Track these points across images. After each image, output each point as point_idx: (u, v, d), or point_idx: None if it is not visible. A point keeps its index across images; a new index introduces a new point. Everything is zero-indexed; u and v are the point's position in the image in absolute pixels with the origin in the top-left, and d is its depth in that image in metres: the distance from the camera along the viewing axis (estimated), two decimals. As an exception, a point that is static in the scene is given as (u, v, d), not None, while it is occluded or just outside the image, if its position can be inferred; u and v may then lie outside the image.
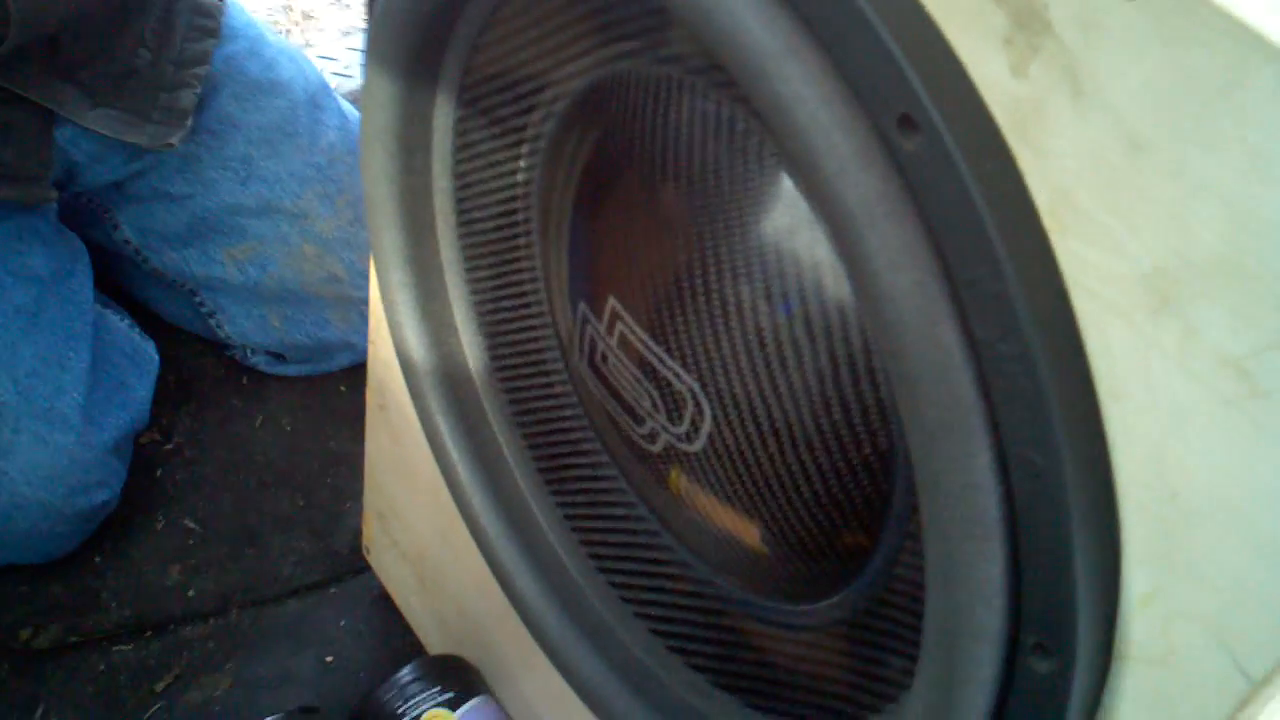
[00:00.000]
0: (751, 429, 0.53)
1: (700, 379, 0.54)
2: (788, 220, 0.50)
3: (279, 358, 1.19)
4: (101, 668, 0.96)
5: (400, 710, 0.80)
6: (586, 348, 0.62)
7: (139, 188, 1.07)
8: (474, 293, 0.71)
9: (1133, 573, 0.38)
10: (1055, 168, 0.36)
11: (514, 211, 0.66)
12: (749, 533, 0.59)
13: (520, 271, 0.68)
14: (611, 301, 0.59)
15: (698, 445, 0.56)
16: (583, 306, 0.61)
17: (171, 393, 1.16)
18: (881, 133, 0.38)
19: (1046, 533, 0.38)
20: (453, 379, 0.72)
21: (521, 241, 0.67)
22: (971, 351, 0.38)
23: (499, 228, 0.67)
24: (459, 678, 0.83)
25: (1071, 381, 0.37)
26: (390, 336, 0.74)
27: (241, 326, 1.16)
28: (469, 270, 0.71)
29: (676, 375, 0.55)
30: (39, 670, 0.96)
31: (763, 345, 0.52)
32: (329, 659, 0.95)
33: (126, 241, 1.10)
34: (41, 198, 1.00)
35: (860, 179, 0.38)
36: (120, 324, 1.10)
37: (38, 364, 0.96)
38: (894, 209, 0.38)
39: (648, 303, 0.57)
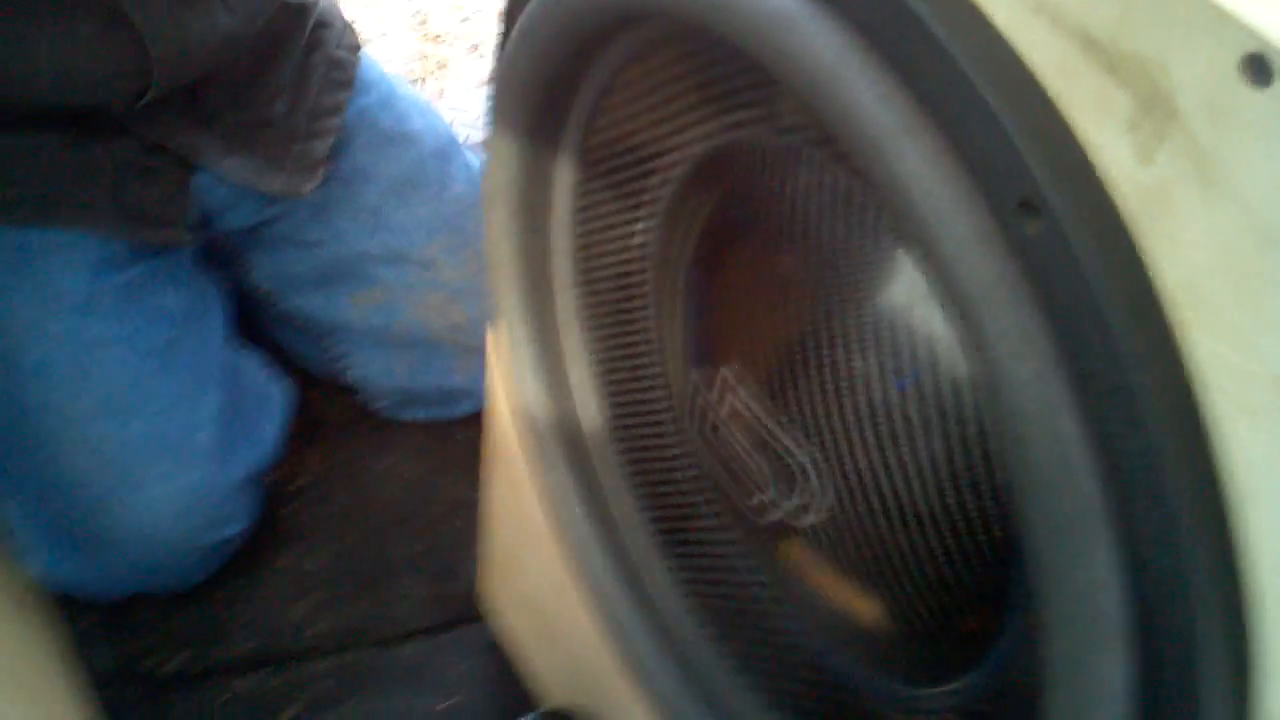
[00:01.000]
0: (866, 506, 0.52)
1: (815, 453, 0.53)
2: (907, 296, 0.49)
3: (405, 403, 1.21)
4: (225, 698, 0.99)
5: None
6: (698, 416, 0.61)
7: (271, 233, 1.10)
8: (592, 352, 0.71)
9: (1267, 687, 0.36)
10: (1183, 258, 0.35)
11: (631, 274, 0.66)
12: (865, 609, 0.58)
13: (637, 334, 0.68)
14: (723, 372, 0.58)
15: (815, 519, 0.55)
16: (694, 374, 0.61)
17: (301, 433, 1.19)
18: (1001, 215, 0.37)
19: (1172, 638, 0.36)
20: (570, 436, 0.72)
21: (638, 304, 0.67)
22: (1094, 445, 0.36)
23: (617, 289, 0.68)
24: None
25: (1200, 481, 0.35)
26: (506, 391, 0.75)
27: (368, 371, 1.18)
28: (587, 330, 0.71)
29: (789, 449, 0.54)
30: (164, 698, 0.98)
31: (881, 421, 0.51)
32: (446, 704, 0.96)
33: (258, 285, 1.13)
34: (178, 241, 1.03)
35: (979, 262, 0.37)
36: (253, 364, 1.13)
37: (170, 402, 0.99)
38: (1014, 295, 0.37)
39: (762, 373, 0.57)
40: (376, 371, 1.18)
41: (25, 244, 0.94)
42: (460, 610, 1.05)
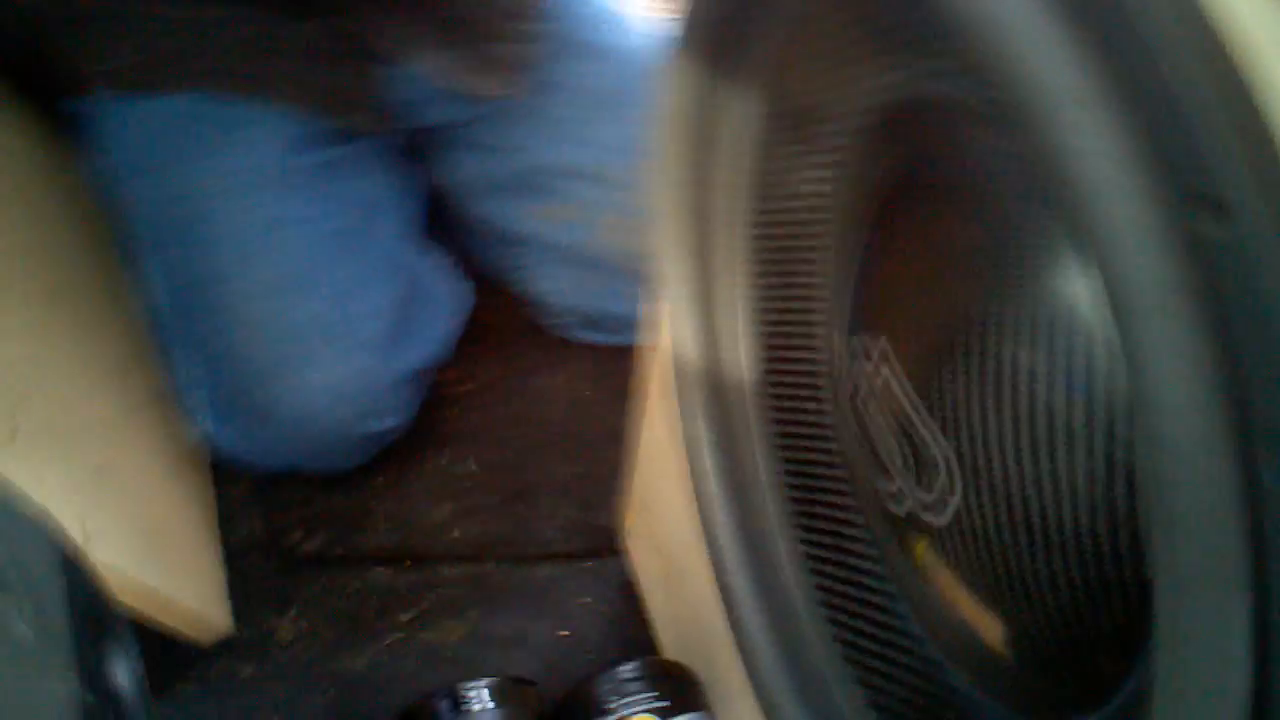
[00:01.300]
0: (1001, 516, 0.47)
1: (958, 448, 0.48)
2: (1073, 292, 0.43)
3: (579, 324, 1.19)
4: (356, 585, 1.00)
5: (610, 705, 0.78)
6: (850, 385, 0.56)
7: (465, 135, 1.08)
8: (748, 300, 0.67)
9: None
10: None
11: (801, 223, 0.61)
12: (988, 628, 0.52)
13: (804, 287, 0.63)
14: (883, 342, 0.53)
15: (944, 519, 0.50)
16: (856, 340, 0.56)
17: (479, 338, 1.18)
18: (1183, 211, 0.32)
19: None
20: (714, 385, 0.69)
21: (809, 256, 0.62)
22: (1250, 497, 0.30)
23: (785, 236, 0.63)
24: (680, 688, 0.80)
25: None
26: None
27: (546, 287, 1.17)
28: (751, 275, 0.67)
29: (933, 437, 0.49)
30: (300, 574, 1.00)
31: (1030, 426, 0.45)
32: (564, 632, 0.94)
33: (447, 186, 1.13)
34: (370, 127, 1.03)
35: (1146, 261, 0.32)
36: (432, 263, 1.12)
37: (344, 288, 0.99)
38: (1184, 307, 0.31)
39: (918, 350, 0.52)
40: (555, 288, 1.16)
41: (221, 116, 0.95)
42: (599, 541, 1.03)
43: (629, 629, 0.94)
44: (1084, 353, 0.44)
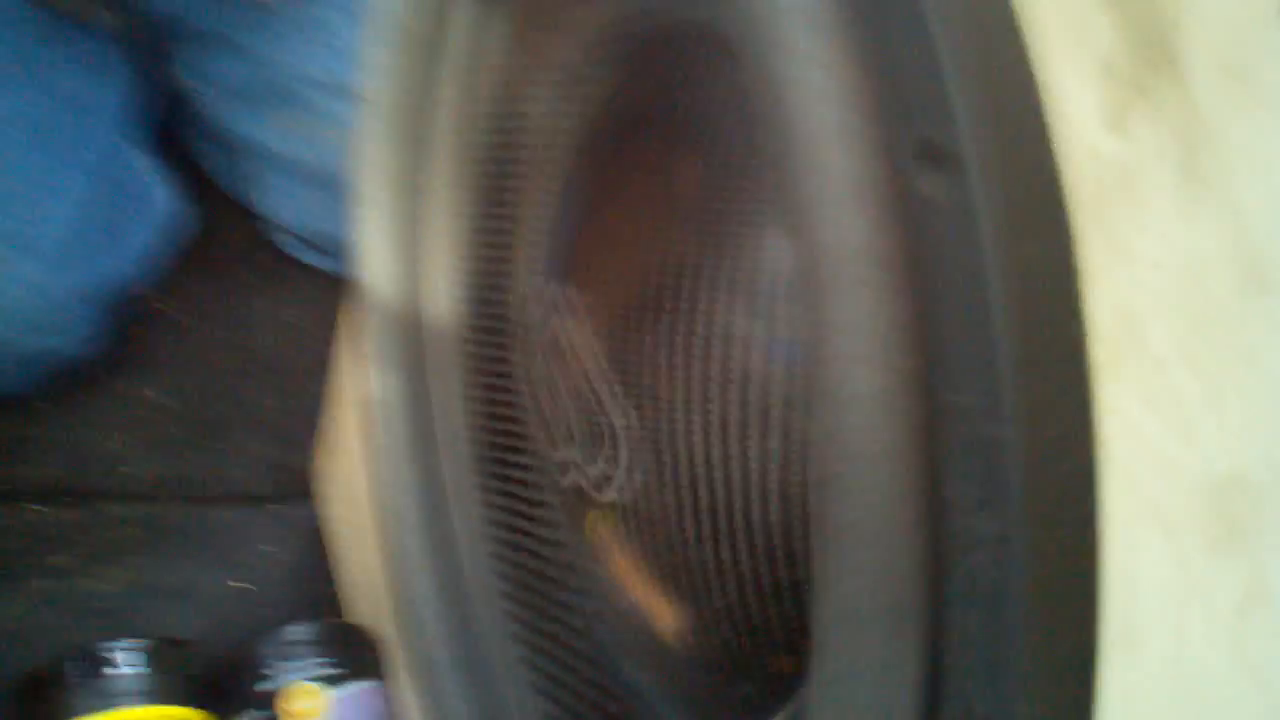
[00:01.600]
0: (669, 498, 0.41)
1: (636, 418, 0.42)
2: (788, 253, 0.37)
3: (307, 244, 1.09)
4: (8, 523, 0.88)
5: (268, 670, 0.70)
6: (533, 334, 0.50)
7: (205, 31, 0.97)
8: (460, 236, 0.60)
9: None
10: (1130, 278, 0.23)
11: (513, 146, 0.54)
12: (662, 617, 0.47)
13: (512, 225, 0.56)
14: (571, 291, 0.46)
15: (610, 497, 0.44)
16: (543, 282, 0.49)
17: (189, 254, 1.07)
18: (896, 160, 0.26)
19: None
20: (414, 327, 0.61)
21: (513, 185, 0.55)
22: (931, 515, 0.25)
23: (494, 159, 0.56)
24: (353, 654, 0.72)
25: (1065, 604, 0.24)
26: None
27: (277, 202, 1.06)
28: (460, 208, 0.59)
29: (609, 404, 0.43)
30: (-57, 508, 0.88)
31: (720, 397, 0.39)
32: (240, 585, 0.85)
33: (181, 84, 1.00)
34: (89, 13, 0.90)
35: (843, 217, 0.26)
36: (143, 166, 1.00)
37: (24, 184, 0.87)
38: (878, 274, 0.25)
39: (610, 304, 0.45)
40: (285, 203, 1.05)
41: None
42: (292, 484, 0.94)
43: (315, 585, 0.85)
44: (790, 319, 0.38)
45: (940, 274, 0.25)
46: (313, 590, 0.85)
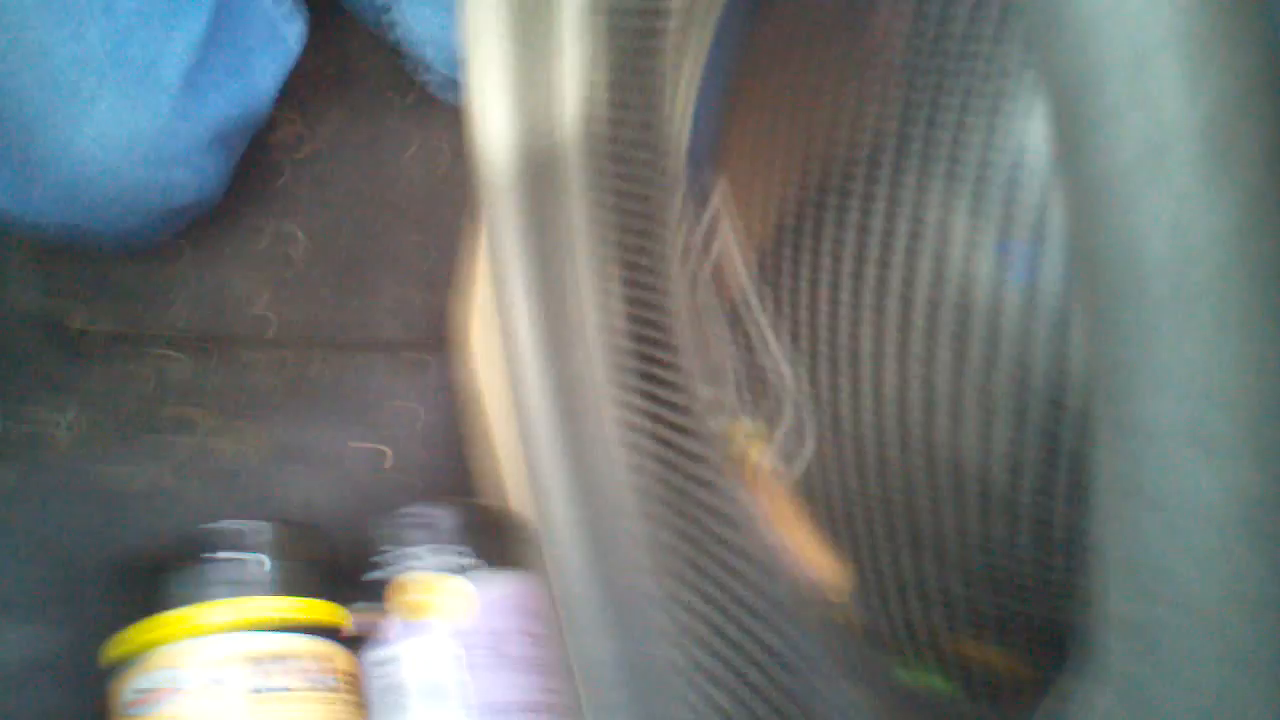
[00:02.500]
0: (850, 468, 0.32)
1: (812, 377, 0.32)
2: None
3: (455, 83, 0.99)
4: (149, 376, 0.84)
5: (408, 560, 0.64)
6: (681, 242, 0.40)
7: None
8: (590, 89, 0.50)
9: None
10: None
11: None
12: (822, 571, 0.38)
13: (653, 74, 0.46)
14: (720, 192, 0.36)
15: (779, 461, 0.35)
16: (689, 178, 0.39)
17: (327, 90, 0.99)
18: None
19: None
20: (540, 194, 0.52)
21: (659, 43, 0.45)
22: None
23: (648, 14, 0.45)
24: (498, 542, 0.66)
25: None
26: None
27: (419, 32, 0.96)
28: (590, 57, 0.49)
29: (774, 358, 0.33)
30: (83, 360, 0.84)
31: (928, 331, 0.30)
32: (388, 450, 0.80)
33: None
34: None
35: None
36: (269, 1, 0.92)
37: (137, 14, 0.80)
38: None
39: (771, 203, 0.35)
40: (430, 34, 0.96)
41: None
42: (435, 332, 0.87)
43: (445, 448, 0.79)
44: (1037, 215, 0.29)
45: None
46: (440, 456, 0.79)
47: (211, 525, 0.64)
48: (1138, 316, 0.19)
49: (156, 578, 0.64)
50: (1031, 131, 0.29)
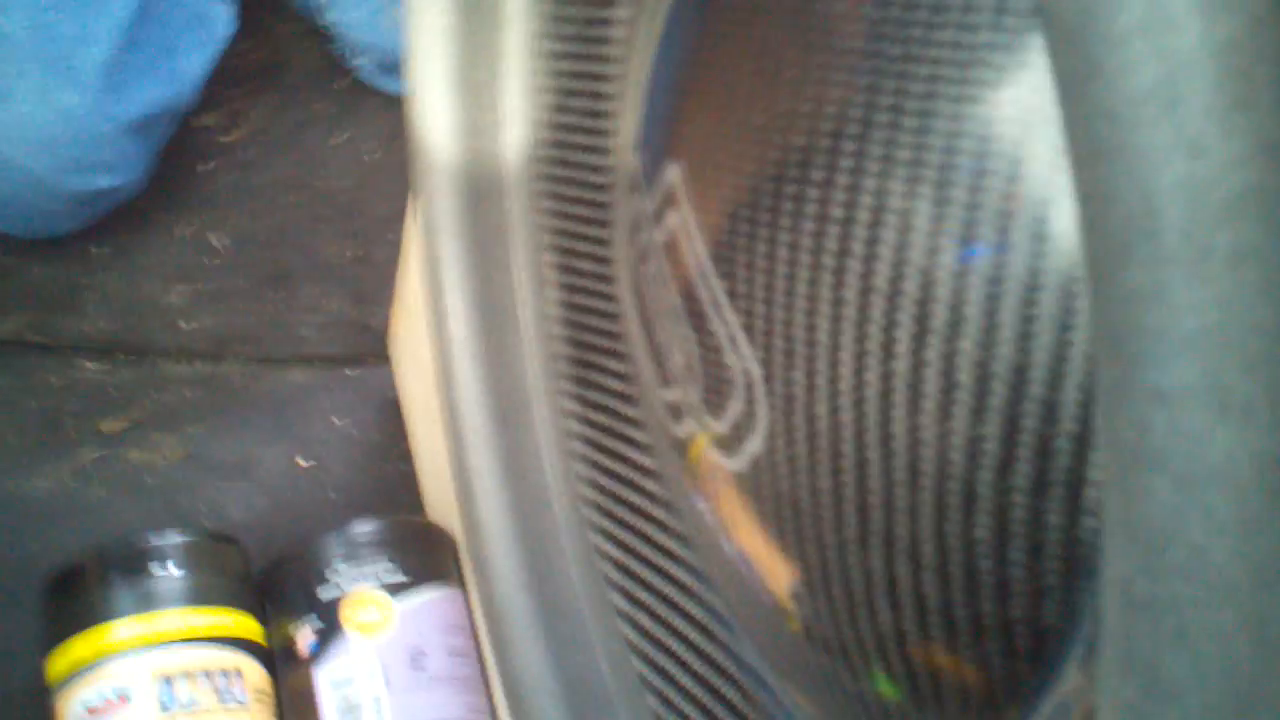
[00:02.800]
0: (822, 461, 0.30)
1: (767, 360, 0.30)
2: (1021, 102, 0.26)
3: (388, 67, 0.97)
4: (55, 381, 0.80)
5: (325, 574, 0.61)
6: (632, 225, 0.38)
7: None
8: (535, 69, 0.48)
9: None
10: None
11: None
12: (773, 575, 0.36)
13: (603, 60, 0.44)
14: (674, 171, 0.34)
15: (738, 462, 0.33)
16: (638, 158, 0.37)
17: (252, 75, 0.96)
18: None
19: None
20: (478, 188, 0.50)
21: (610, 33, 0.43)
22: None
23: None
24: (423, 557, 0.63)
25: None
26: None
27: (351, 16, 0.94)
28: (534, 35, 0.47)
29: (731, 340, 0.31)
30: (-12, 364, 0.80)
31: (886, 315, 0.28)
32: (304, 463, 0.76)
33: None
34: None
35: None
36: (197, -20, 0.89)
37: (66, 3, 0.77)
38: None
39: (727, 184, 0.33)
40: (361, 19, 0.94)
41: None
42: (371, 346, 0.84)
43: (387, 467, 0.76)
44: (1004, 196, 0.27)
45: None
46: (385, 471, 0.76)
47: (132, 536, 0.61)
48: (1148, 261, 0.17)
49: (72, 592, 0.60)
50: (1008, 99, 0.27)
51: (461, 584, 0.64)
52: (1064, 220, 0.25)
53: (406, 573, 0.62)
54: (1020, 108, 0.27)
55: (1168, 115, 0.16)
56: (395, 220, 0.90)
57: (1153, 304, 0.17)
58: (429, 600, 0.62)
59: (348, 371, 0.83)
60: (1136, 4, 0.17)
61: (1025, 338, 0.26)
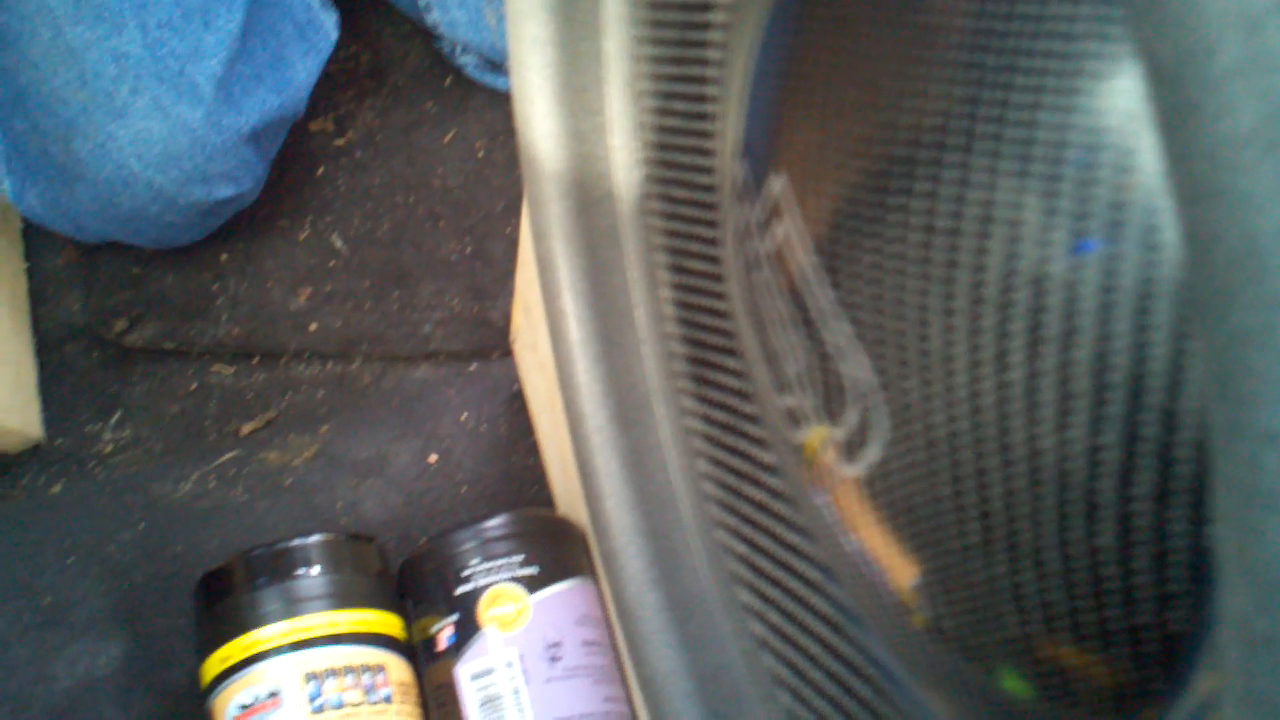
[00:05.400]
0: (944, 488, 0.30)
1: (882, 369, 0.31)
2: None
3: (495, 66, 0.99)
4: (193, 387, 0.84)
5: (463, 572, 0.63)
6: (739, 233, 0.38)
7: None
8: (638, 81, 0.48)
9: None
10: None
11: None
12: (896, 572, 0.37)
13: (703, 64, 0.45)
14: (778, 182, 0.35)
15: (857, 468, 0.33)
16: (741, 169, 0.38)
17: (360, 78, 0.98)
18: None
19: None
20: (587, 196, 0.51)
21: (709, 36, 0.43)
22: None
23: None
24: (555, 551, 0.65)
25: None
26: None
27: (454, 15, 0.95)
28: (638, 48, 0.48)
29: (844, 349, 0.32)
30: (127, 370, 0.84)
31: (1013, 333, 0.28)
32: (433, 458, 0.79)
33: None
34: None
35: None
36: (305, -12, 0.91)
37: (171, 15, 0.79)
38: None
39: (832, 203, 0.33)
40: (465, 18, 0.95)
41: None
42: (493, 341, 0.86)
43: (514, 460, 0.78)
44: (1113, 201, 0.27)
45: None
46: (514, 464, 0.78)
47: (275, 541, 0.63)
48: (1254, 304, 0.17)
49: (218, 597, 0.63)
50: (1116, 110, 0.27)
51: (593, 575, 0.65)
52: (1174, 226, 0.25)
53: (539, 566, 0.63)
54: (1125, 113, 0.27)
55: (1268, 157, 0.17)
56: (508, 215, 0.92)
57: (1260, 346, 0.17)
58: (562, 592, 0.63)
59: (471, 366, 0.85)
60: (1234, 45, 0.17)
61: (1140, 345, 0.26)
